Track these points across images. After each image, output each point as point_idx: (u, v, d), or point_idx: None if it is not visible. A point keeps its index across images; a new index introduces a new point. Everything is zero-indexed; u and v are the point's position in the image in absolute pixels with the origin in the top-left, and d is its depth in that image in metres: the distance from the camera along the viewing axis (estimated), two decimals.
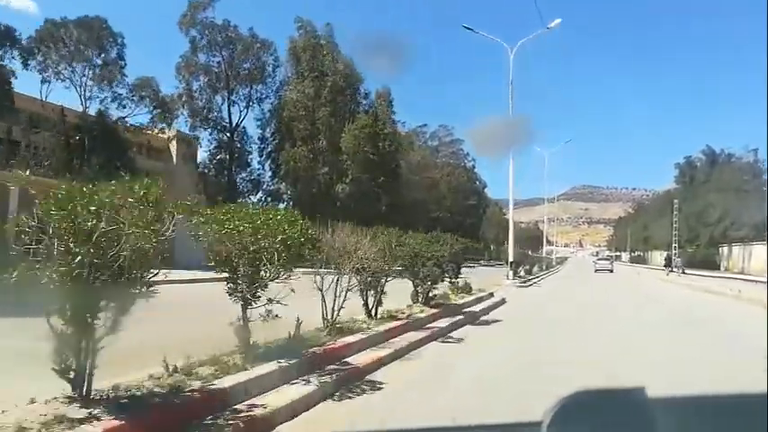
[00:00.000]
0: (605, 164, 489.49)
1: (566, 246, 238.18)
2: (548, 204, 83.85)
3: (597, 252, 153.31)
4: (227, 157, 29.92)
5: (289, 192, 28.67)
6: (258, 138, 30.19)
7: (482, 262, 68.71)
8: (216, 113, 29.55)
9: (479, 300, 12.95)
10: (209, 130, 29.58)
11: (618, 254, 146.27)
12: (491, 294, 14.89)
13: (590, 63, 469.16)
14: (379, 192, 30.31)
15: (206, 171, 29.53)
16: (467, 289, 13.68)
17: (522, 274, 27.12)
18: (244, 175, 30.60)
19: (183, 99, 28.56)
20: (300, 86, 28.12)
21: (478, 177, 74.76)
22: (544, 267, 44.46)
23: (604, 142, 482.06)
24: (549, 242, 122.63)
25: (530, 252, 68.96)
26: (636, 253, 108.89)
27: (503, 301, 14.47)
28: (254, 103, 30.29)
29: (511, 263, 23.37)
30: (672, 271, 44.27)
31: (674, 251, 53.99)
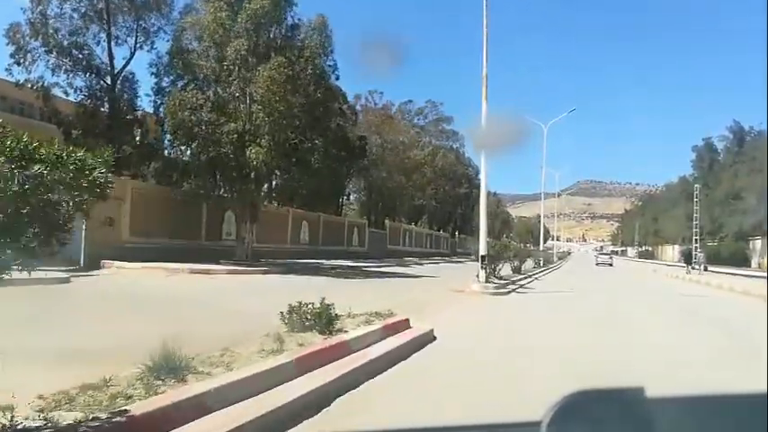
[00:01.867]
0: (609, 159, 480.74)
1: (568, 240, 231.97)
2: (548, 194, 75.74)
3: (602, 247, 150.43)
4: (107, 112, 22.01)
5: (183, 157, 20.58)
6: (153, 88, 22.39)
7: (473, 257, 61.12)
8: (89, 53, 21.58)
9: (317, 361, 4.90)
10: (80, 74, 21.71)
11: (623, 248, 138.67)
12: (402, 326, 6.97)
13: (592, 54, 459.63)
14: (320, 164, 22.26)
15: (79, 132, 21.44)
16: (323, 318, 5.79)
17: (503, 273, 19.23)
18: (129, 137, 22.66)
19: (39, 30, 20.64)
20: (210, 7, 20.12)
21: (471, 162, 66.55)
22: (541, 263, 36.53)
23: (608, 137, 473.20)
24: (549, 236, 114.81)
25: (530, 246, 61.27)
26: (644, 247, 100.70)
27: (421, 344, 6.56)
28: (144, 38, 22.30)
29: (482, 258, 15.49)
30: (694, 268, 37.24)
31: (694, 245, 46.09)
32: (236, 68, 20.01)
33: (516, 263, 23.26)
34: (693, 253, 42.07)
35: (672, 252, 76.63)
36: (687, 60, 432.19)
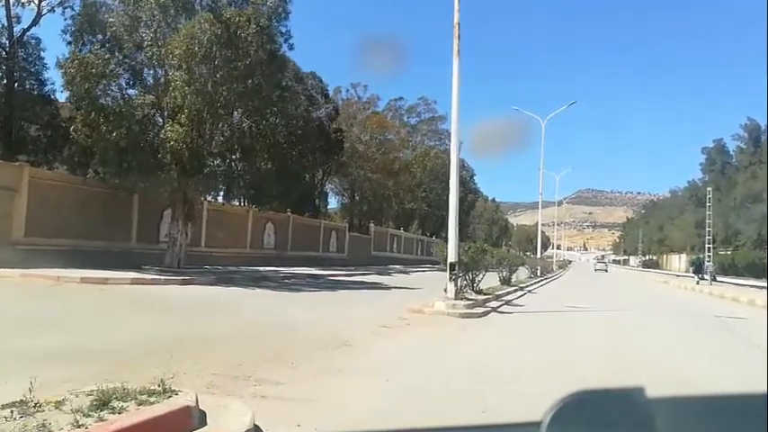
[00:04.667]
0: (609, 168, 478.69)
1: (569, 249, 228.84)
2: (549, 202, 71.65)
3: (603, 256, 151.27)
4: (4, 83, 17.87)
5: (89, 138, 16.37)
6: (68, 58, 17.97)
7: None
8: None
9: None
10: None
11: (626, 258, 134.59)
12: (171, 424, 2.89)
13: (592, 63, 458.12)
14: (272, 154, 18.33)
15: None
16: None
17: (489, 285, 15.17)
18: (33, 115, 18.43)
19: None
20: None
21: (465, 164, 62.36)
22: (538, 272, 32.46)
23: (608, 145, 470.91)
24: (550, 244, 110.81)
25: (530, 254, 57.34)
26: (648, 257, 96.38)
27: None
28: None
29: (451, 266, 11.44)
30: (703, 278, 33.74)
31: (706, 254, 42.18)
32: (154, 26, 16.05)
33: (505, 273, 19.23)
34: (706, 263, 38.28)
35: (678, 261, 72.44)
36: (688, 65, 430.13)
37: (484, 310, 11.46)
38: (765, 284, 26.48)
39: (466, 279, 13.72)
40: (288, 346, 6.59)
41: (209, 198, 24.48)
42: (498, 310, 12.21)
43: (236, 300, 12.37)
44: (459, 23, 12.06)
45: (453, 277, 11.47)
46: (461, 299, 11.63)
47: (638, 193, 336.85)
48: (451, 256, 11.57)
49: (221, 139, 17.34)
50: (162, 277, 15.86)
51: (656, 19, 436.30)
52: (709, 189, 43.22)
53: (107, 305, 10.11)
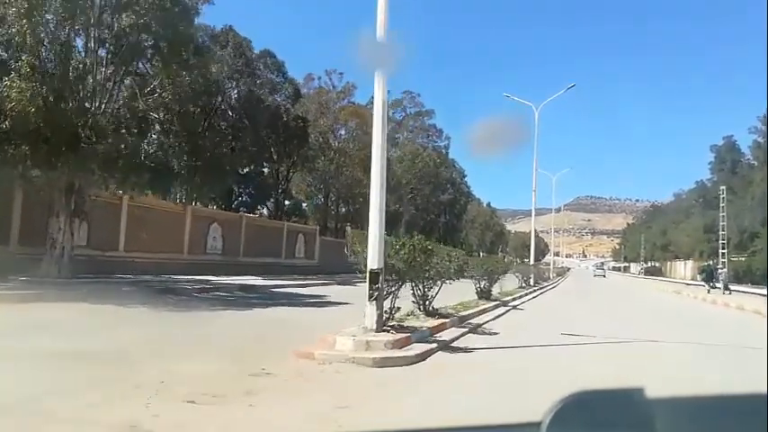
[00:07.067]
0: (608, 174, 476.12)
1: (568, 256, 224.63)
2: (547, 209, 67.18)
3: (602, 263, 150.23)
4: None
5: None
6: None
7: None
8: None
9: None
10: None
11: (626, 265, 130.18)
12: None
13: (592, 67, 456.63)
14: (177, 132, 13.99)
15: None
16: None
17: (455, 300, 10.75)
18: None
19: None
20: None
21: (456, 164, 58.05)
22: (531, 281, 27.98)
23: (608, 152, 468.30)
24: (548, 251, 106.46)
25: (526, 261, 52.96)
26: (651, 263, 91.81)
27: None
28: None
29: (371, 276, 7.03)
30: (714, 287, 29.75)
31: (720, 260, 37.93)
32: None
33: (483, 283, 14.76)
34: (719, 269, 34.06)
35: (684, 269, 67.96)
36: (689, 69, 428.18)
37: (424, 348, 6.95)
38: None
39: (414, 295, 9.33)
40: None
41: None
42: (452, 344, 7.72)
43: (38, 330, 7.89)
44: None
45: (374, 294, 7.02)
46: (388, 330, 7.17)
47: (637, 200, 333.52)
48: (373, 261, 7.12)
49: (109, 107, 12.96)
50: (13, 291, 11.42)
51: (657, 21, 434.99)
52: (722, 188, 38.99)
53: None
